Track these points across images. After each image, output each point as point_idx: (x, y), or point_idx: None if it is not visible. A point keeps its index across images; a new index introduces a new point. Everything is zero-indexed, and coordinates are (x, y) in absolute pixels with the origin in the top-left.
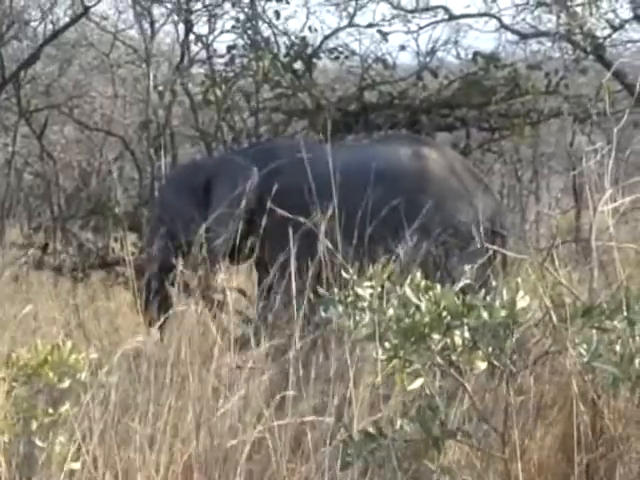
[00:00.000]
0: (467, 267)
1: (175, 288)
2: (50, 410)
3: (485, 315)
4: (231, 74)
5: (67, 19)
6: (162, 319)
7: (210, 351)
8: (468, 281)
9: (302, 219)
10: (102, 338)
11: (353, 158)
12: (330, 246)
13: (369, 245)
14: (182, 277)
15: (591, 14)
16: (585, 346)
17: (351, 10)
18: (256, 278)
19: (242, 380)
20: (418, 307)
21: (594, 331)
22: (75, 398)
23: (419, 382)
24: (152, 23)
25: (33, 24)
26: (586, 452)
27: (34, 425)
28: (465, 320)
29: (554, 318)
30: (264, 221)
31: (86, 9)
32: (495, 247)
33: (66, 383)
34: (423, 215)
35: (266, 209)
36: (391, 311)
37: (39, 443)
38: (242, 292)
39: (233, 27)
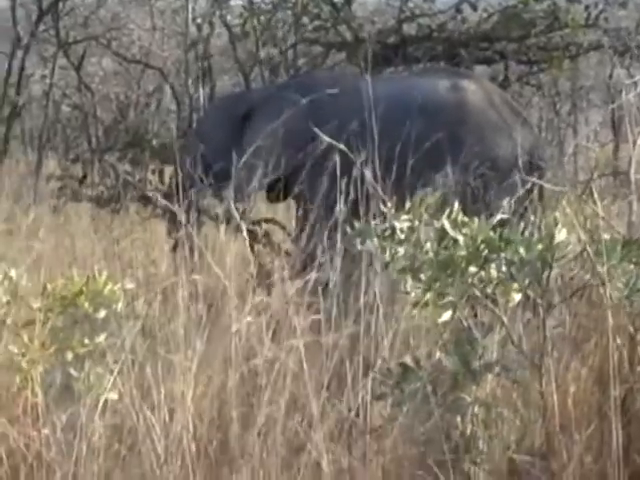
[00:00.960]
0: (505, 200)
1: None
2: (86, 341)
3: (522, 249)
4: (270, 6)
5: None
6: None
7: (247, 283)
8: (505, 215)
9: (344, 148)
10: (138, 269)
11: (392, 90)
12: (370, 179)
13: (409, 178)
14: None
15: None
16: (624, 280)
17: None
18: (294, 212)
19: (277, 313)
20: (455, 240)
21: (632, 265)
22: (111, 329)
23: (448, 314)
24: None
25: None
26: (621, 384)
27: (70, 356)
28: (502, 254)
29: (591, 252)
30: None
31: None
32: (533, 179)
33: (102, 314)
34: (462, 147)
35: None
36: (428, 244)
37: (75, 373)
38: (281, 225)
39: None
